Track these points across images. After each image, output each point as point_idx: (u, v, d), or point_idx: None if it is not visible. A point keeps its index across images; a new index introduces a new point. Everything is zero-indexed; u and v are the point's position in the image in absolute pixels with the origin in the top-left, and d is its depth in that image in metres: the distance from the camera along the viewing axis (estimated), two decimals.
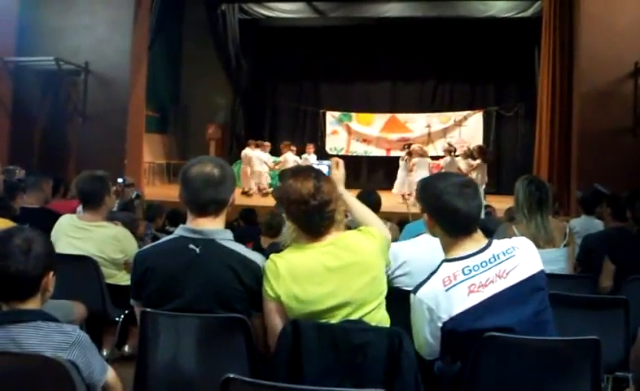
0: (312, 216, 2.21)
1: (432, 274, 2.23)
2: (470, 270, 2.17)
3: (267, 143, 13.67)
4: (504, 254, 2.21)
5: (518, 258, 2.21)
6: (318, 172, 2.31)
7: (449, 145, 12.63)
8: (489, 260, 2.19)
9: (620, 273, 3.79)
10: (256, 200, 11.66)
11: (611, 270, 3.93)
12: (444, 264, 2.23)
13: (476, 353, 2.16)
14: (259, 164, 13.02)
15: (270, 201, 10.62)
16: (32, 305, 1.95)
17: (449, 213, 2.21)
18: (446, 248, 2.29)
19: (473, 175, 11.27)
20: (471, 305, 2.13)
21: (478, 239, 2.25)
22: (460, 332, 2.15)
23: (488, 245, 2.24)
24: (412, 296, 2.22)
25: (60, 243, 3.67)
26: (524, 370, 2.18)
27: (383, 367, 2.08)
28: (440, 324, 2.15)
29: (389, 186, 12.69)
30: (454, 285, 2.15)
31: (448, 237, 2.26)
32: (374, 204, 4.51)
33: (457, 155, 11.99)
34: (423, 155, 12.34)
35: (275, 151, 13.73)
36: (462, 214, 2.20)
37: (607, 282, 3.88)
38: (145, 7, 10.97)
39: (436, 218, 2.27)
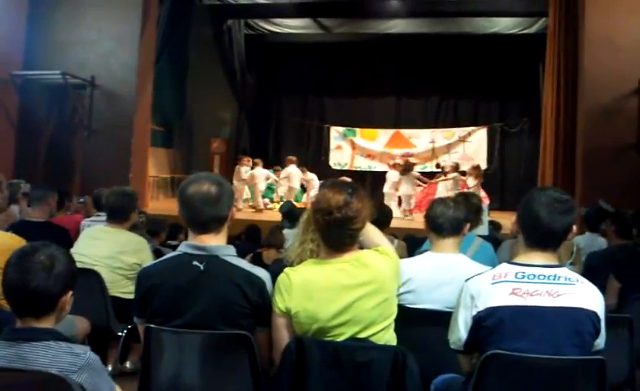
0: (332, 228, 2.21)
1: (491, 269, 2.29)
2: (523, 276, 2.18)
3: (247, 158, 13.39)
4: (565, 279, 2.18)
5: (577, 288, 2.17)
6: (356, 189, 2.27)
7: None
8: (548, 276, 2.17)
9: (625, 291, 3.77)
10: (259, 216, 11.65)
11: (616, 288, 3.90)
12: (504, 264, 2.27)
13: (480, 371, 2.15)
14: (263, 180, 13.05)
15: (271, 216, 10.63)
16: (47, 323, 1.92)
17: (531, 219, 2.20)
18: (517, 254, 2.30)
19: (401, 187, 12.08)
20: (507, 305, 2.14)
21: (549, 259, 2.22)
22: (485, 325, 2.17)
23: (557, 266, 2.21)
24: (464, 282, 2.29)
25: (81, 244, 3.94)
26: (529, 389, 2.16)
27: (386, 385, 2.08)
28: (474, 312, 2.20)
29: None
30: (500, 282, 2.19)
31: (524, 244, 2.26)
32: (387, 220, 4.56)
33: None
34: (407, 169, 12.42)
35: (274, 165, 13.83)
36: (541, 224, 2.18)
37: (611, 300, 3.85)
38: (151, 22, 11.04)
39: (521, 222, 2.28)
